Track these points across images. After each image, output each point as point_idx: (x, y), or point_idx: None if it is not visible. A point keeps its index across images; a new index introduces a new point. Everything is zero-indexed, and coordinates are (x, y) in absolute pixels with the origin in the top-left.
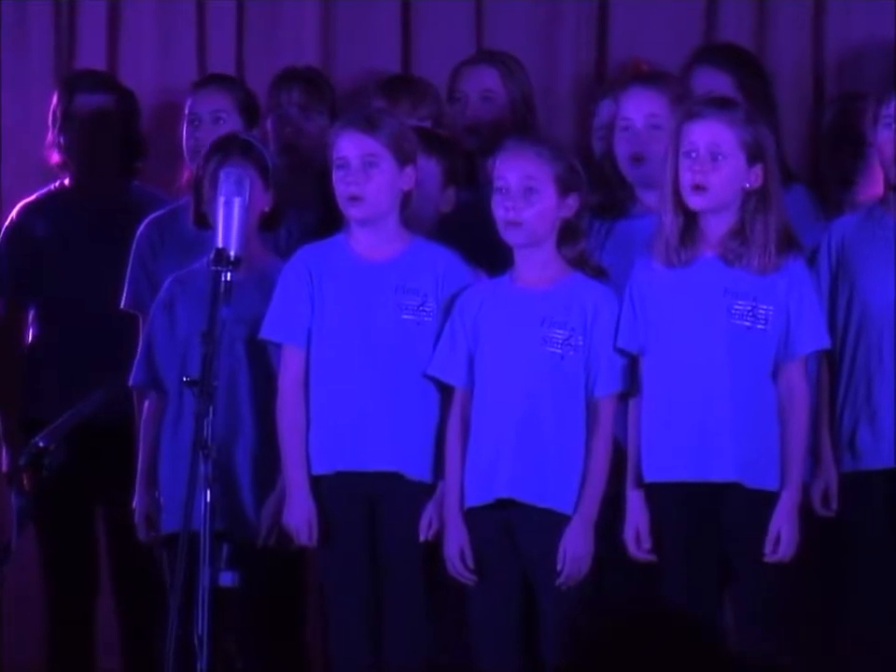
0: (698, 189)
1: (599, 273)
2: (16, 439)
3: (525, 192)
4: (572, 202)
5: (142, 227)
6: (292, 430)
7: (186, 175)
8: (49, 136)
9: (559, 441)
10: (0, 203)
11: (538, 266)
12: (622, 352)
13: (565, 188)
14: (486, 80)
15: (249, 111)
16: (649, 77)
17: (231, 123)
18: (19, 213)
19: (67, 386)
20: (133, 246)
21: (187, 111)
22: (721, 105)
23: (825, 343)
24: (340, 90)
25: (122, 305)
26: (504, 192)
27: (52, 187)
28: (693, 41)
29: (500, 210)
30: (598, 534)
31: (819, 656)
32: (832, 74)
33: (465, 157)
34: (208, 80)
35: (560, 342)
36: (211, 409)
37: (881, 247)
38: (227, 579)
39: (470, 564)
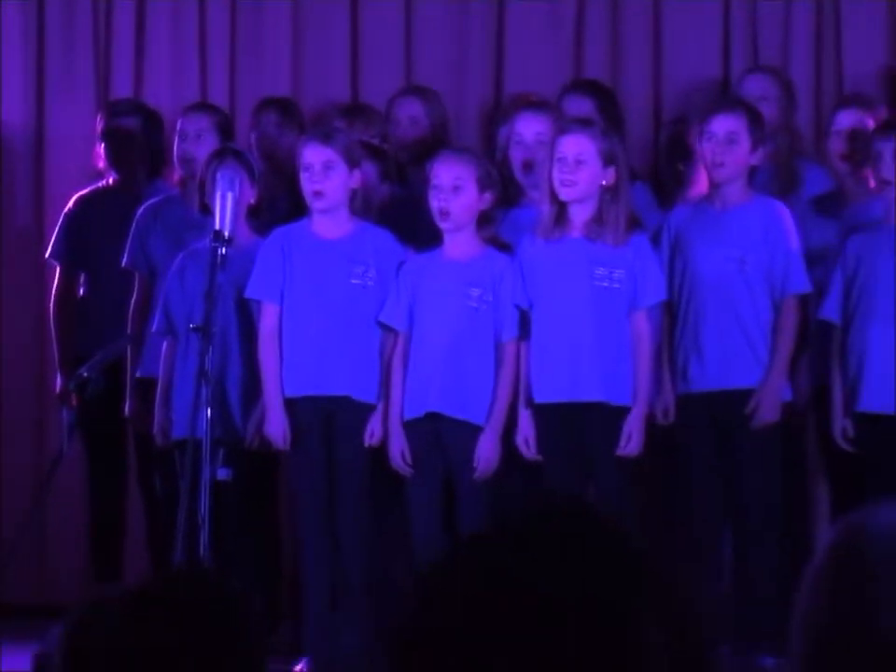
0: (566, 185)
1: (504, 248)
2: (67, 369)
3: (454, 189)
4: (488, 196)
5: (141, 209)
6: (269, 364)
7: (175, 175)
8: (95, 148)
9: (475, 372)
10: (45, 196)
11: (461, 244)
12: (517, 307)
13: (483, 186)
14: (413, 109)
15: (225, 130)
16: (537, 106)
17: (211, 139)
18: (74, 203)
19: (104, 331)
20: (134, 223)
21: (178, 127)
22: (583, 123)
23: (663, 296)
24: (306, 112)
25: (123, 264)
26: (438, 188)
27: (100, 184)
28: (565, 75)
29: (435, 202)
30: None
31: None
32: (668, 101)
33: (397, 164)
34: (195, 106)
35: (476, 298)
36: (210, 348)
37: (705, 231)
38: (223, 473)
39: (409, 461)
